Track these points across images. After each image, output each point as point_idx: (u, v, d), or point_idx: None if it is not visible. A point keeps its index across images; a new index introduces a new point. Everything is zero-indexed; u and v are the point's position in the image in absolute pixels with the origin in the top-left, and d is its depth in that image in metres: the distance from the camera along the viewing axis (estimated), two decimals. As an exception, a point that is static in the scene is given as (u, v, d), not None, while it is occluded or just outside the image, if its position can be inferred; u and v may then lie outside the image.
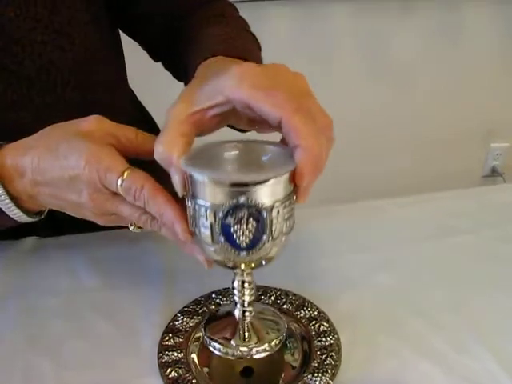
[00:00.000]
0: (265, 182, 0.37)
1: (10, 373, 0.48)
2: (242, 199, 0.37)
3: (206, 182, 0.38)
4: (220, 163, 0.42)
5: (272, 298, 0.54)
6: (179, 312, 0.52)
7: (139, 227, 0.48)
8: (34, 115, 0.60)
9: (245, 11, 0.69)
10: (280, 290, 0.54)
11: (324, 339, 0.49)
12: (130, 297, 0.56)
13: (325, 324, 0.50)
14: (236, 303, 0.45)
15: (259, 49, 0.64)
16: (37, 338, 0.52)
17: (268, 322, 0.46)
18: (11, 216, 0.50)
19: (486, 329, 0.51)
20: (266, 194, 0.37)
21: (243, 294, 0.44)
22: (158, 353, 0.48)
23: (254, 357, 0.43)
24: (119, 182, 0.44)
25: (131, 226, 0.48)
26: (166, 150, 0.40)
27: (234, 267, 0.43)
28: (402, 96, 1.73)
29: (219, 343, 0.43)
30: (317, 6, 1.54)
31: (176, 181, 0.41)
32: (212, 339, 0.44)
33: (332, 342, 0.49)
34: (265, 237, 0.39)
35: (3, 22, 0.55)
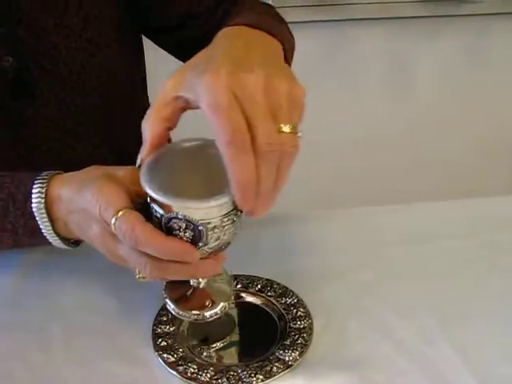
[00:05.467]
0: (197, 208, 0.43)
1: (28, 335, 0.57)
2: (180, 215, 0.44)
3: (154, 197, 0.44)
4: (182, 161, 0.48)
5: (259, 286, 0.60)
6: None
7: (143, 277, 0.50)
8: (64, 114, 0.69)
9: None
10: (267, 279, 0.61)
11: (299, 322, 0.55)
12: (135, 283, 0.63)
13: (301, 310, 0.57)
14: None
15: (290, 35, 0.67)
16: (52, 309, 0.60)
17: (219, 289, 0.52)
18: (49, 240, 0.55)
19: (449, 322, 0.57)
20: (200, 214, 0.44)
21: None
22: (153, 326, 0.56)
23: (206, 320, 0.50)
24: (113, 220, 0.46)
25: (138, 273, 0.50)
26: (147, 128, 0.46)
27: None
28: (427, 118, 1.77)
29: (174, 304, 0.50)
30: (344, 29, 1.61)
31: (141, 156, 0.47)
32: (171, 301, 0.51)
33: (305, 325, 0.55)
34: (201, 243, 0.45)
35: (46, 29, 0.65)
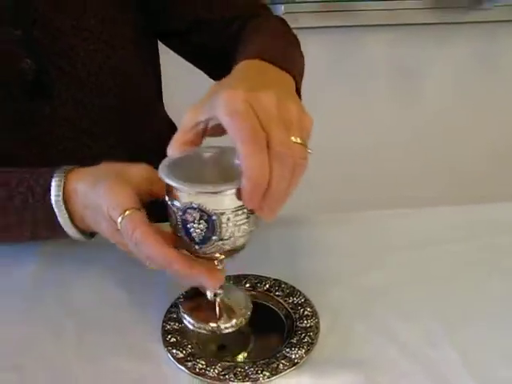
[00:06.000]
0: (212, 193, 0.45)
1: (41, 328, 0.58)
2: (194, 203, 0.45)
3: (171, 186, 0.46)
4: (200, 166, 0.50)
5: (267, 285, 0.61)
6: (185, 291, 0.60)
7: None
8: (80, 114, 0.70)
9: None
10: (275, 279, 0.62)
11: (306, 321, 0.56)
12: (147, 278, 0.64)
13: (308, 309, 0.58)
14: None
15: (302, 58, 0.70)
16: (65, 305, 0.61)
17: (236, 302, 0.54)
18: (67, 231, 0.58)
19: (452, 325, 0.57)
20: (215, 203, 0.45)
21: None
22: (163, 322, 0.57)
23: (223, 332, 0.51)
24: (119, 219, 0.50)
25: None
26: (170, 155, 0.49)
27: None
28: (435, 125, 1.78)
29: (193, 319, 0.52)
30: (354, 35, 1.62)
31: None
32: (187, 315, 0.53)
33: (312, 324, 0.56)
34: (214, 237, 0.47)
35: (63, 31, 0.67)
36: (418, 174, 1.83)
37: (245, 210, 0.47)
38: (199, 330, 0.52)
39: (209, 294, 0.53)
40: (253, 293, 0.60)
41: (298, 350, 0.53)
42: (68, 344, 0.56)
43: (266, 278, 0.62)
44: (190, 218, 0.46)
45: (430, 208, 0.79)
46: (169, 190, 0.47)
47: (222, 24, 0.75)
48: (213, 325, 0.52)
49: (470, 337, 0.56)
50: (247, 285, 0.61)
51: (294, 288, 0.61)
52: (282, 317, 0.58)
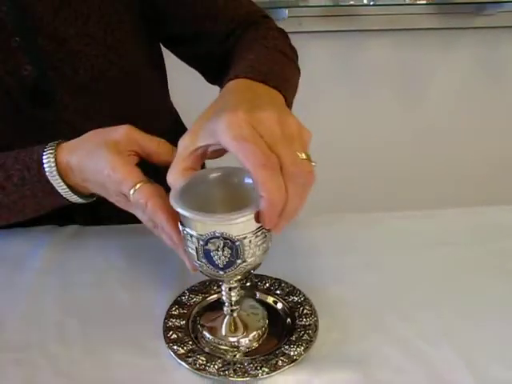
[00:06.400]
0: (234, 219, 0.46)
1: (46, 327, 0.59)
2: (218, 232, 0.46)
3: (189, 218, 0.47)
4: (208, 189, 0.51)
5: (267, 284, 0.62)
6: (187, 289, 0.62)
7: None
8: (83, 118, 0.72)
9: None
10: (275, 278, 0.63)
11: (305, 320, 0.57)
12: (150, 276, 0.66)
13: (308, 308, 0.59)
14: (224, 302, 0.55)
15: (295, 72, 0.72)
16: (70, 303, 0.63)
17: (252, 315, 0.56)
18: (70, 199, 0.62)
19: (453, 326, 0.58)
20: (237, 229, 0.47)
21: (230, 296, 0.55)
22: (164, 319, 0.58)
23: (239, 346, 0.54)
24: (131, 192, 0.54)
25: None
26: (171, 183, 0.51)
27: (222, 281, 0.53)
28: (437, 128, 1.79)
29: (210, 333, 0.55)
30: (357, 40, 1.63)
31: None
32: (205, 328, 0.55)
33: (311, 322, 0.57)
34: (239, 261, 0.48)
35: (65, 37, 0.68)
36: (419, 177, 1.84)
37: (263, 230, 0.48)
38: (219, 346, 0.54)
39: (226, 310, 0.55)
40: (253, 291, 0.61)
41: (297, 347, 0.54)
42: (73, 341, 0.58)
43: (266, 276, 0.63)
44: (213, 247, 0.47)
45: (431, 210, 0.80)
46: (185, 220, 0.48)
47: (223, 34, 0.76)
48: (232, 339, 0.54)
49: (469, 337, 0.57)
50: (248, 283, 0.62)
51: (293, 287, 0.62)
52: (282, 315, 0.59)
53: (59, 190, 0.60)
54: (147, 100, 0.80)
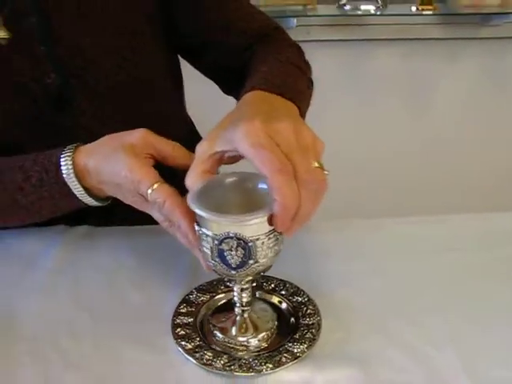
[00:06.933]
0: (248, 221, 0.49)
1: (57, 323, 0.62)
2: (232, 233, 0.49)
3: (205, 218, 0.50)
4: (224, 192, 0.54)
5: (272, 285, 0.64)
6: (195, 288, 0.64)
7: None
8: (101, 124, 0.74)
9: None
10: (280, 279, 0.65)
11: (308, 319, 0.59)
12: (159, 276, 0.68)
13: (311, 308, 0.60)
14: (236, 303, 0.58)
15: (308, 85, 0.75)
16: (81, 301, 0.65)
17: (262, 317, 0.59)
18: (85, 202, 0.64)
19: (457, 330, 0.59)
20: (250, 230, 0.49)
21: (241, 297, 0.57)
22: (173, 317, 0.60)
23: (249, 346, 0.56)
24: (149, 191, 0.56)
25: None
26: (189, 185, 0.53)
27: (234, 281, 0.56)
28: (444, 138, 1.80)
29: (221, 332, 0.57)
30: (365, 49, 1.66)
31: None
32: (215, 328, 0.57)
33: (314, 322, 0.59)
34: (251, 261, 0.51)
35: (83, 47, 0.71)
36: (426, 185, 1.85)
37: (275, 233, 0.51)
38: (229, 345, 0.56)
39: (237, 310, 0.58)
40: (259, 291, 0.63)
41: (300, 344, 0.56)
42: (85, 336, 0.60)
43: (272, 277, 0.65)
44: (226, 247, 0.50)
45: (439, 216, 0.81)
46: (201, 220, 0.51)
47: (239, 47, 0.79)
48: (241, 339, 0.56)
49: (475, 343, 0.57)
50: (254, 284, 0.64)
51: (297, 288, 0.64)
52: (286, 314, 0.61)
53: (75, 192, 0.62)
54: (163, 109, 0.82)
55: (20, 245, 0.75)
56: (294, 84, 0.69)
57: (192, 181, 0.53)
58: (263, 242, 0.50)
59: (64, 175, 0.62)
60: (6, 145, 0.71)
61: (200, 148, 0.54)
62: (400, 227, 0.78)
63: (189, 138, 0.90)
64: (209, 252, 0.52)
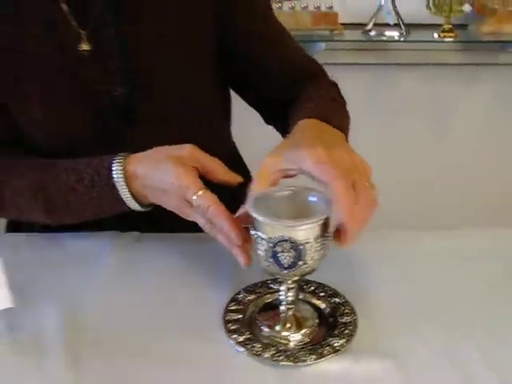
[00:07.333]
0: (300, 226, 0.56)
1: (121, 315, 0.69)
2: (286, 236, 0.56)
3: (262, 222, 0.57)
4: (277, 202, 0.61)
5: (312, 287, 0.71)
6: (242, 289, 0.71)
7: None
8: (159, 140, 0.77)
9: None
10: (319, 283, 0.71)
11: (345, 318, 0.66)
12: (210, 277, 0.75)
13: (348, 308, 0.67)
14: (282, 301, 0.64)
15: (346, 115, 0.83)
16: (137, 299, 0.72)
17: (305, 316, 0.65)
18: (129, 205, 0.72)
19: (480, 333, 0.65)
20: (302, 234, 0.57)
21: (287, 296, 0.64)
22: (224, 313, 0.67)
23: (293, 340, 0.62)
24: (194, 197, 0.64)
25: None
26: (255, 189, 0.61)
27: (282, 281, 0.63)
28: (464, 162, 1.84)
29: (268, 328, 0.64)
30: (389, 73, 1.73)
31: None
32: (263, 324, 0.64)
33: (351, 320, 0.65)
34: (300, 262, 0.58)
35: (153, 66, 0.80)
36: (446, 208, 1.89)
37: (323, 238, 0.58)
38: (275, 339, 0.63)
39: (282, 308, 0.64)
40: (301, 294, 0.70)
41: (340, 339, 0.62)
42: (144, 328, 0.67)
43: (312, 281, 0.71)
44: (280, 249, 0.57)
45: (470, 229, 0.88)
46: (257, 225, 0.58)
47: (289, 81, 0.86)
48: (284, 334, 0.63)
49: (503, 354, 0.62)
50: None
51: (335, 290, 0.70)
52: (326, 314, 0.67)
53: (122, 196, 0.70)
54: (213, 133, 0.88)
55: (76, 246, 0.82)
56: (339, 115, 0.78)
57: (257, 186, 0.61)
58: (312, 246, 0.57)
59: (114, 179, 0.69)
60: (70, 149, 0.78)
61: (267, 162, 0.62)
62: (431, 240, 0.84)
63: (231, 158, 0.97)
64: (263, 254, 0.58)
